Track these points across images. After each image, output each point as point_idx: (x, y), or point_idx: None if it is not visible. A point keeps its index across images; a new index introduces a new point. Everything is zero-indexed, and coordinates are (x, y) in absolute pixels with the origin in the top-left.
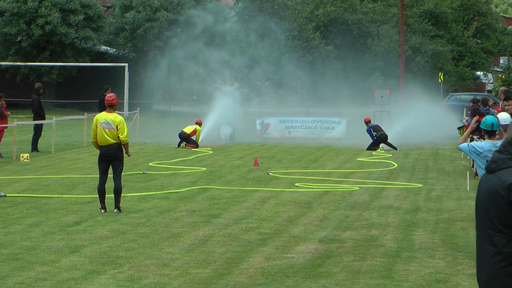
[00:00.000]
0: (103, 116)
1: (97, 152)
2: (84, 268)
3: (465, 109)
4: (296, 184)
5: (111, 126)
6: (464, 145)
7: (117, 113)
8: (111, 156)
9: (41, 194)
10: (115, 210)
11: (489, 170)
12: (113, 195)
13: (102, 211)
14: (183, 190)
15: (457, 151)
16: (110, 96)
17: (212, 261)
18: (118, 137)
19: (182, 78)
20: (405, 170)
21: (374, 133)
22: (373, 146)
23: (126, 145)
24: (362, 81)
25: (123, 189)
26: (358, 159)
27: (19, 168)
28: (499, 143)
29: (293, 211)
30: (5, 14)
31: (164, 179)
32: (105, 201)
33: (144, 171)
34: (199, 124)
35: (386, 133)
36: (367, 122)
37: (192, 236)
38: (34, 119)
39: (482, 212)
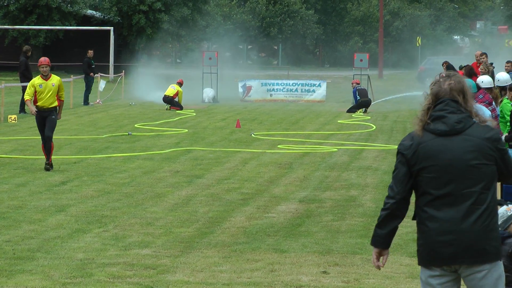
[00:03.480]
0: None
1: (83, 113)
2: (70, 226)
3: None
4: (279, 146)
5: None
6: None
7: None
8: None
9: (28, 155)
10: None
11: (453, 130)
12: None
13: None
14: (166, 151)
15: None
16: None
17: (195, 220)
18: None
19: (166, 41)
20: (383, 132)
21: (358, 97)
22: (354, 109)
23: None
24: (342, 44)
25: (109, 150)
26: (338, 121)
27: (7, 129)
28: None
29: (274, 172)
30: None
31: (148, 140)
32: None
33: (130, 132)
34: (181, 83)
35: (370, 99)
36: (356, 84)
37: (176, 196)
38: (21, 81)
39: (461, 173)
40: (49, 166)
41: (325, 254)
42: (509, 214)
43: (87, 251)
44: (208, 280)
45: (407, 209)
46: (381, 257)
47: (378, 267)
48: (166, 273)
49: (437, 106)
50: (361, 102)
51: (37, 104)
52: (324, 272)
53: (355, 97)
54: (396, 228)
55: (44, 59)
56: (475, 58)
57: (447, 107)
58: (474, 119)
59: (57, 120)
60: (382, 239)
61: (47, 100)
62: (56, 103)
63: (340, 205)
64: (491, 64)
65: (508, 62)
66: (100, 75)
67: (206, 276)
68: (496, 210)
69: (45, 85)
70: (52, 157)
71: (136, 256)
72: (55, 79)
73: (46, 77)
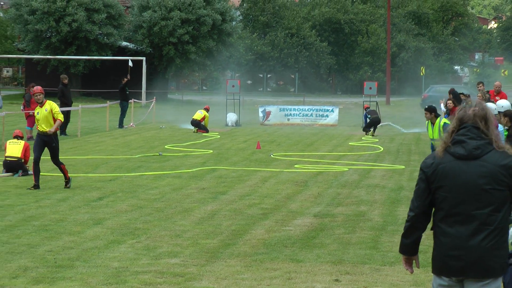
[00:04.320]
0: None
1: (118, 135)
2: (106, 238)
3: (443, 99)
4: (296, 165)
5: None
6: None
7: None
8: None
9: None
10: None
11: (469, 156)
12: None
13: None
14: (193, 170)
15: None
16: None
17: (219, 232)
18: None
19: (193, 70)
20: (390, 153)
21: (369, 116)
22: (367, 128)
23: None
24: (353, 74)
25: (141, 168)
26: (349, 143)
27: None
28: None
29: (291, 189)
30: (37, 12)
31: (177, 160)
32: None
33: (160, 153)
34: (207, 109)
35: (379, 118)
36: (366, 108)
37: (202, 210)
38: (60, 107)
39: (471, 196)
40: (34, 188)
41: (337, 264)
42: None
43: (122, 260)
44: (231, 287)
45: (428, 221)
46: (413, 262)
47: (411, 272)
48: (193, 280)
49: (460, 131)
50: (372, 119)
51: (38, 129)
52: (336, 280)
53: (365, 119)
54: (419, 238)
55: (36, 88)
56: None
57: (468, 132)
58: (493, 145)
59: (95, 142)
60: (408, 248)
61: (45, 126)
62: (51, 127)
63: (350, 220)
64: (487, 92)
65: (479, 83)
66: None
67: (229, 283)
68: (506, 230)
69: (41, 112)
70: (90, 175)
71: (166, 265)
72: (47, 104)
73: (41, 104)
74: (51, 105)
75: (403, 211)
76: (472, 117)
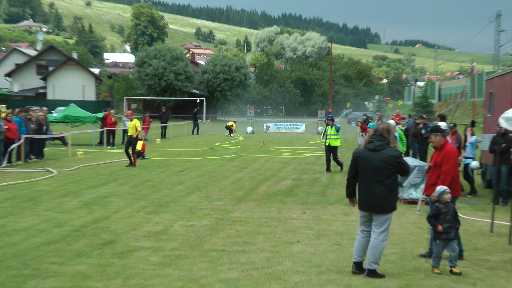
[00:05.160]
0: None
1: (190, 138)
2: (185, 191)
3: (358, 120)
4: (283, 153)
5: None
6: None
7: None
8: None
9: (165, 158)
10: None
11: (373, 149)
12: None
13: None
14: (230, 156)
15: (355, 140)
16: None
17: (243, 188)
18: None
19: (230, 104)
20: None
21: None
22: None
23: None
24: (312, 106)
25: (203, 155)
26: (310, 142)
27: (156, 145)
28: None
29: (280, 166)
30: (148, 75)
31: (221, 150)
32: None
33: (213, 147)
34: (234, 122)
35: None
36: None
37: (234, 177)
38: (161, 123)
39: (374, 171)
40: (130, 165)
41: (304, 204)
42: (441, 190)
43: (193, 202)
44: (249, 215)
45: (356, 181)
46: (353, 201)
47: (353, 205)
48: (230, 213)
49: (373, 136)
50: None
51: (128, 133)
52: (303, 212)
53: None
54: (354, 188)
55: (129, 111)
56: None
57: (376, 137)
58: (390, 145)
59: (178, 142)
60: (349, 193)
61: (130, 132)
62: (134, 133)
63: (311, 182)
64: (382, 115)
65: (377, 111)
66: (199, 121)
67: (249, 214)
68: (395, 188)
69: (130, 124)
70: (177, 158)
71: (215, 205)
72: (134, 121)
73: (131, 120)
74: (135, 122)
75: (339, 178)
76: (381, 129)
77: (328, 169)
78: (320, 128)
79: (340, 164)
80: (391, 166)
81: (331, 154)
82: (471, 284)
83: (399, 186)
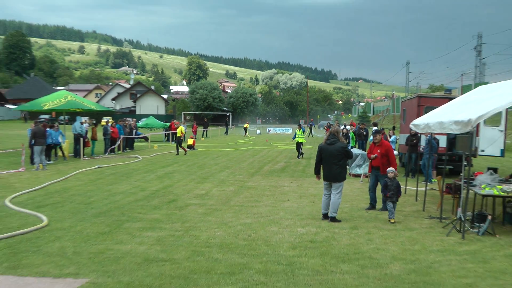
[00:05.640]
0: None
1: (223, 138)
2: (218, 169)
3: (325, 126)
4: (278, 146)
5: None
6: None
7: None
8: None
9: (206, 149)
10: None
11: (330, 143)
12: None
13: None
14: (246, 148)
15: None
16: (177, 122)
17: (253, 168)
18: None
19: (245, 116)
20: (309, 143)
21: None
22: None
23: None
24: (296, 118)
25: (232, 147)
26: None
27: (201, 142)
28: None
29: (276, 154)
30: (197, 99)
31: (241, 145)
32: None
33: (236, 143)
34: (248, 124)
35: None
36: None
37: (248, 161)
38: (203, 129)
39: (331, 156)
40: (178, 154)
41: (291, 177)
42: (390, 170)
43: (223, 177)
44: (258, 184)
45: (321, 164)
46: (318, 177)
47: (318, 180)
48: (246, 183)
49: (329, 136)
50: (310, 129)
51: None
52: (291, 182)
53: (310, 125)
54: (319, 169)
55: (176, 122)
56: (335, 123)
57: (331, 136)
58: (340, 141)
59: (219, 140)
60: (316, 171)
61: (178, 134)
62: (181, 135)
63: (295, 164)
64: (339, 123)
65: (336, 120)
66: (230, 127)
67: (258, 184)
68: (344, 167)
69: (178, 128)
70: (212, 149)
71: (237, 178)
72: (180, 127)
73: (177, 127)
74: (181, 128)
75: (313, 161)
76: (334, 132)
77: (298, 156)
78: (287, 130)
79: (301, 154)
80: (341, 153)
81: (300, 147)
82: (393, 224)
83: (348, 165)
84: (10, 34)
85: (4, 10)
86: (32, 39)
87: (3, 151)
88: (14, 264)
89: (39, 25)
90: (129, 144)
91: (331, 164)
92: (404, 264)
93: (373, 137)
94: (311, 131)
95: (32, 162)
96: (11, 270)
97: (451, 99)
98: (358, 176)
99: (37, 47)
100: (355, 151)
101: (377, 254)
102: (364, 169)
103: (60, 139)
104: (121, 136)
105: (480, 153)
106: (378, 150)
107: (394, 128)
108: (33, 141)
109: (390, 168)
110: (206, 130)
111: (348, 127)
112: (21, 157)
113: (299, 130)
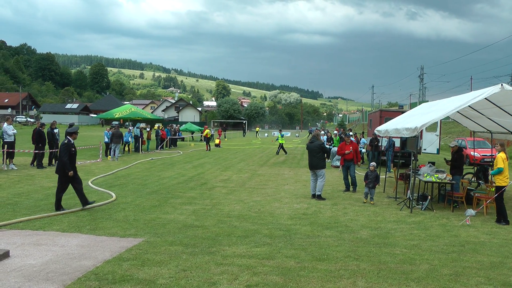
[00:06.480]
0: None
1: (240, 138)
2: (236, 161)
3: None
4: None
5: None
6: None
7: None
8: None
9: (228, 147)
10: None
11: (311, 142)
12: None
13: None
14: (255, 146)
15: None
16: (206, 127)
17: (262, 160)
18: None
19: (256, 123)
20: (302, 142)
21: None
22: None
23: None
24: (293, 124)
25: (245, 146)
26: (293, 140)
27: (224, 142)
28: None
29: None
30: (222, 111)
31: (253, 144)
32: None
33: (251, 143)
34: (258, 127)
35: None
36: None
37: (258, 155)
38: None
39: (312, 151)
40: (209, 151)
41: (290, 167)
42: (371, 164)
43: (241, 167)
44: (265, 172)
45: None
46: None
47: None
48: (257, 171)
49: (312, 138)
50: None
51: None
52: (290, 171)
53: (310, 131)
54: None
55: (205, 126)
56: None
57: (313, 138)
58: (319, 141)
59: (235, 142)
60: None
61: (208, 134)
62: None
63: (293, 157)
64: (324, 128)
65: (322, 125)
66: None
67: (265, 172)
68: (323, 159)
69: (205, 131)
70: (233, 147)
71: (250, 168)
72: (206, 130)
73: (203, 131)
74: (207, 131)
75: (306, 155)
76: (315, 135)
77: (277, 152)
78: (287, 134)
79: (285, 150)
80: (318, 148)
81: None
82: (371, 205)
83: (328, 159)
84: (93, 65)
85: (89, 48)
86: (108, 68)
87: (87, 147)
88: (93, 226)
89: (113, 58)
90: (173, 143)
91: (312, 156)
92: (370, 230)
93: (345, 138)
94: (310, 134)
95: (106, 155)
96: (91, 231)
97: (403, 112)
98: (337, 167)
99: (111, 74)
100: (335, 149)
101: (351, 223)
102: (339, 161)
103: (130, 139)
104: (168, 137)
105: (423, 151)
106: (350, 147)
107: (363, 133)
108: (108, 140)
109: (372, 163)
110: (224, 133)
111: (323, 132)
112: (98, 151)
113: (280, 134)
